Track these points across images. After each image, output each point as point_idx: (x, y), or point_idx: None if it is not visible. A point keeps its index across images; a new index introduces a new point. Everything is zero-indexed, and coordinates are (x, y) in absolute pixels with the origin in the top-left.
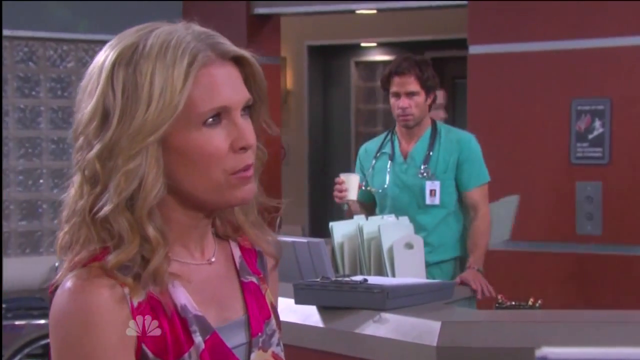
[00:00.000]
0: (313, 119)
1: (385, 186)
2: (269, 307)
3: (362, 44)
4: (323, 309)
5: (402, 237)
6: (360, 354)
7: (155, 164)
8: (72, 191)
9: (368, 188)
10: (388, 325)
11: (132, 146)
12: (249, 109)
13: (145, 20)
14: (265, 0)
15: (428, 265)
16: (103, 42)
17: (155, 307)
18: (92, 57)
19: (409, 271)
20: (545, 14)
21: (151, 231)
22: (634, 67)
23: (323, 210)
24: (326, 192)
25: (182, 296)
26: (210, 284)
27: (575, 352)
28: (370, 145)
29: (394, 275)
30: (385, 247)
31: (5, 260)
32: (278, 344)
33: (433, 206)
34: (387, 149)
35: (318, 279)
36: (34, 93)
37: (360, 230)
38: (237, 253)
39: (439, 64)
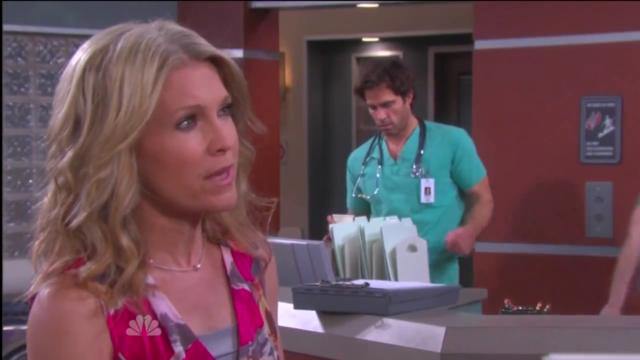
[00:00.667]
0: (313, 117)
1: (375, 192)
2: (262, 314)
3: (364, 39)
4: (323, 314)
5: (405, 240)
6: None
7: (127, 171)
8: (46, 200)
9: (360, 195)
10: (390, 331)
11: (103, 154)
12: (229, 110)
13: (138, 13)
14: None
15: None
16: None
17: (132, 315)
18: None
19: (412, 275)
20: (554, 7)
21: (125, 241)
22: None
23: (323, 211)
24: (326, 193)
25: (163, 304)
26: (194, 292)
27: None
28: (358, 153)
29: (396, 279)
30: (388, 249)
31: None
32: (270, 353)
33: (428, 205)
34: (375, 153)
35: (318, 283)
36: (22, 90)
37: (362, 232)
38: (228, 259)
39: (443, 60)
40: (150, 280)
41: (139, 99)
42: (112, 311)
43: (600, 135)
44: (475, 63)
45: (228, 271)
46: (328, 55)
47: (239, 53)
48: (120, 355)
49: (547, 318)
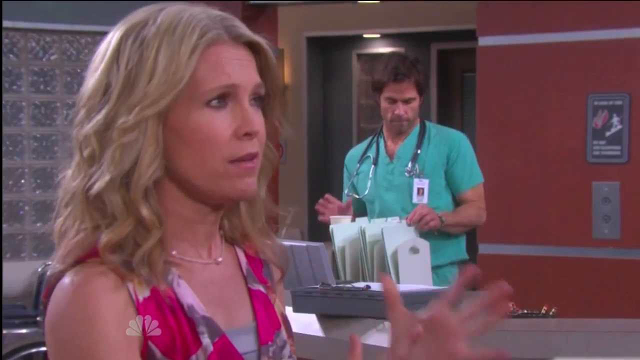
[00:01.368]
0: (312, 115)
1: (366, 192)
2: (279, 317)
3: (365, 35)
4: (323, 318)
5: (406, 241)
6: None
7: (153, 141)
8: (69, 172)
9: (351, 194)
10: None
11: (129, 118)
12: (260, 102)
13: (133, 9)
14: None
15: None
16: (89, 33)
17: (160, 303)
18: (77, 49)
19: (415, 277)
20: (559, 3)
21: (145, 212)
22: None
23: None
24: (326, 193)
25: (189, 295)
26: (216, 286)
27: None
28: (355, 151)
29: (398, 281)
30: (389, 251)
31: None
32: (290, 357)
33: None
34: (372, 152)
35: (318, 286)
36: (14, 87)
37: (363, 233)
38: (243, 259)
39: (446, 57)
40: (174, 270)
41: (174, 67)
42: (141, 299)
43: (608, 134)
44: (479, 60)
45: (244, 271)
46: (328, 52)
47: None
48: (150, 343)
49: (552, 321)
